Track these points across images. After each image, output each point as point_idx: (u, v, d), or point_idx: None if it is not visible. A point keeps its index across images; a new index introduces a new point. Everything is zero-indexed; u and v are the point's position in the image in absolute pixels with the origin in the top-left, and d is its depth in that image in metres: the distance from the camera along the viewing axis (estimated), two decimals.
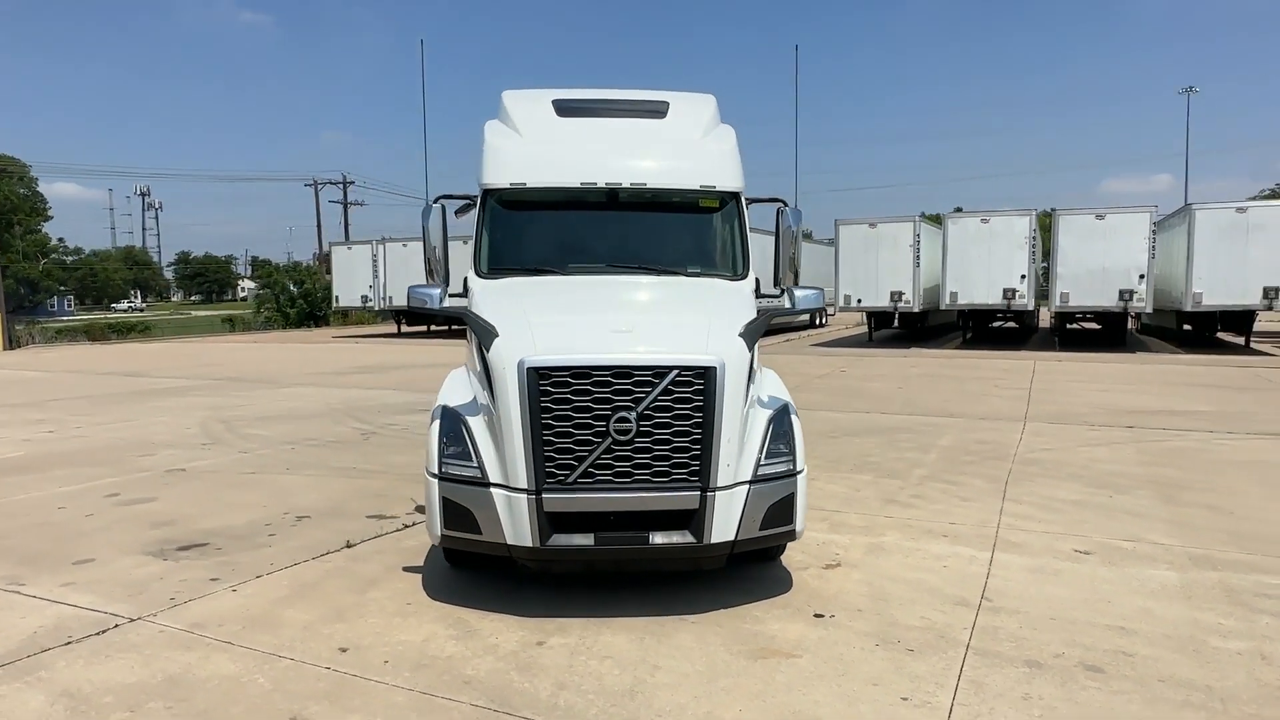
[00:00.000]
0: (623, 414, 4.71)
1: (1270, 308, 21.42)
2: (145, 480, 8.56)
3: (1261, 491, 7.84)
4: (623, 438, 4.71)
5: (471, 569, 5.56)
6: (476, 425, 5.06)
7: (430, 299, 5.11)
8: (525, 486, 4.70)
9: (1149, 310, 22.68)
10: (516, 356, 4.79)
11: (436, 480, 4.99)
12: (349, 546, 6.28)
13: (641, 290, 5.99)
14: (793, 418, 5.22)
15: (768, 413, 5.16)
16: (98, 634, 4.68)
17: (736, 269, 6.38)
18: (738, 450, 4.87)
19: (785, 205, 6.53)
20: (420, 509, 7.29)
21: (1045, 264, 25.38)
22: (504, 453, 4.79)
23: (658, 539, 4.76)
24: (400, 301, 32.71)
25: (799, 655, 4.37)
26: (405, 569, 5.77)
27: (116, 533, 6.72)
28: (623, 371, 4.76)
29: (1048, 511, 7.15)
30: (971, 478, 8.38)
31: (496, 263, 6.25)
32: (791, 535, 5.11)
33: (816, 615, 4.92)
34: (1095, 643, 4.51)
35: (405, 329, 36.80)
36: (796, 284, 6.46)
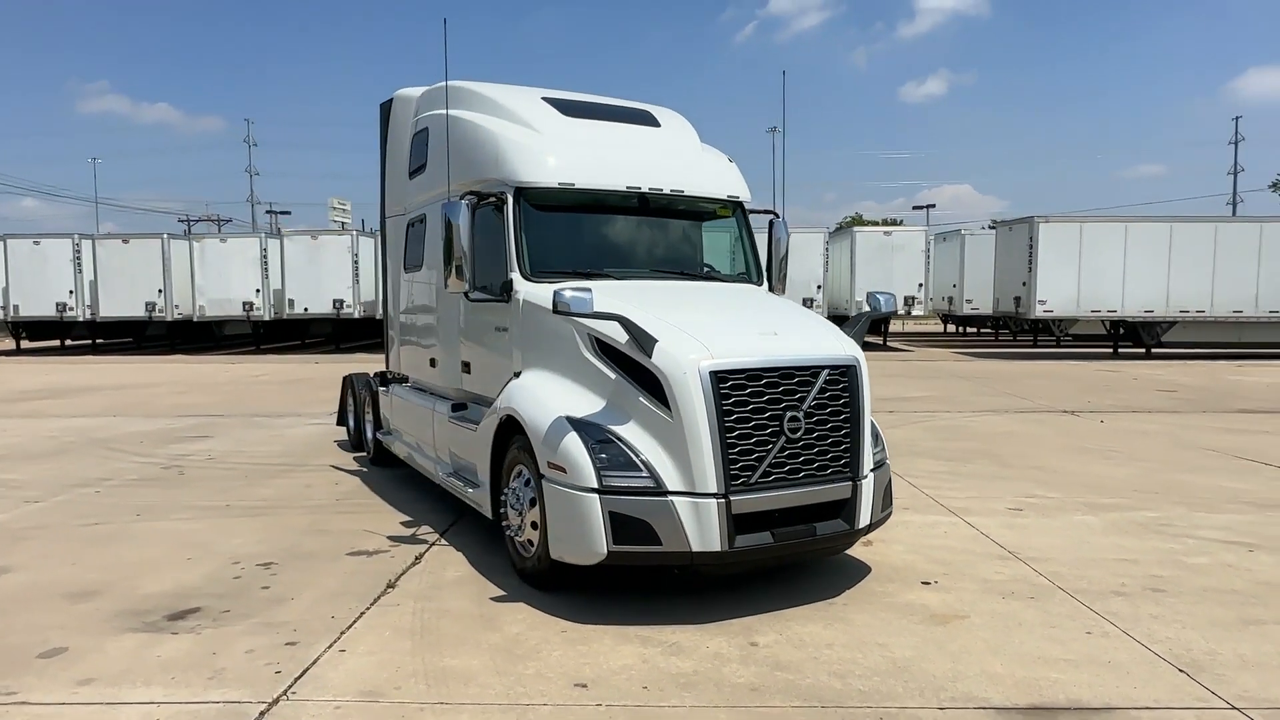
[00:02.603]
0: (792, 413, 4.90)
1: (909, 313, 26.67)
2: None
3: (1047, 453, 10.12)
4: (794, 435, 4.89)
5: (552, 590, 5.23)
6: (632, 433, 4.86)
7: (585, 303, 4.75)
8: (714, 491, 4.67)
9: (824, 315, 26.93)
10: (695, 361, 4.73)
11: (597, 495, 4.70)
12: (392, 587, 5.49)
13: (712, 294, 6.12)
14: None
15: None
16: None
17: (752, 275, 6.77)
18: (871, 442, 5.31)
19: (776, 216, 7.06)
20: (398, 539, 6.58)
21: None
22: (684, 459, 4.69)
23: (823, 529, 5.03)
24: (33, 310, 26.98)
25: (966, 615, 4.95)
26: (493, 599, 5.25)
27: (44, 613, 5.08)
28: (789, 371, 4.95)
29: (944, 481, 8.54)
30: None
31: (541, 265, 5.94)
32: (890, 514, 5.67)
33: (924, 583, 5.54)
34: (1127, 571, 5.73)
35: (27, 344, 30.18)
36: (784, 288, 7.01)
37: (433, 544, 6.49)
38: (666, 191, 6.34)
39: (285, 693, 3.98)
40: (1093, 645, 4.51)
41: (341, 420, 11.39)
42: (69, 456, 10.29)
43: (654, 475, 4.71)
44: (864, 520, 5.18)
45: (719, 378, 4.73)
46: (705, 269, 6.77)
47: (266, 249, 27.52)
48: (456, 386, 6.90)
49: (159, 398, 16.47)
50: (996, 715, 3.75)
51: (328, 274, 27.04)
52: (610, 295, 5.52)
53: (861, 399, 5.16)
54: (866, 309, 5.94)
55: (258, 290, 27.29)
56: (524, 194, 5.99)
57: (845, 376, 5.13)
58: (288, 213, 60.53)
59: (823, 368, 5.05)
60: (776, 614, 4.97)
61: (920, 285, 27.15)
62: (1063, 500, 7.79)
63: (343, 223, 49.70)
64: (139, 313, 27.73)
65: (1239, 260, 23.87)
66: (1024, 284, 24.32)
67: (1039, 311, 24.23)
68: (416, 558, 6.11)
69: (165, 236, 27.90)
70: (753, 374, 4.84)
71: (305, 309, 27.38)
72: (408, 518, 7.29)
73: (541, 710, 3.81)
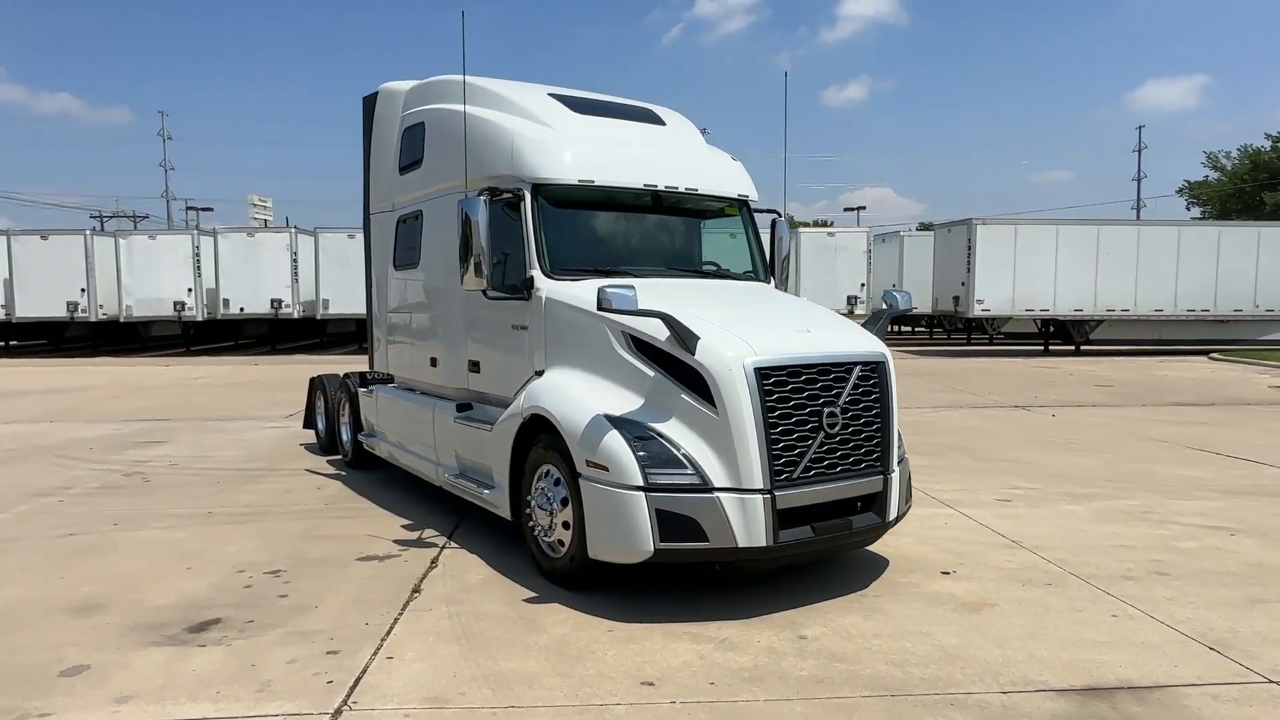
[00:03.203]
0: (830, 408, 4.97)
1: (852, 313, 27.25)
2: None
3: (1014, 446, 10.51)
4: (833, 431, 4.97)
5: (583, 590, 5.20)
6: (674, 430, 4.85)
7: (630, 300, 4.71)
8: (760, 487, 4.70)
9: None
10: (740, 357, 4.76)
11: (643, 493, 4.69)
12: (417, 592, 5.36)
13: (733, 292, 6.16)
14: None
15: None
16: None
17: (760, 273, 6.84)
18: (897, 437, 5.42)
19: (779, 216, 7.15)
20: (405, 543, 6.43)
21: None
22: (729, 455, 4.71)
23: (858, 523, 5.12)
24: None
25: (995, 603, 5.11)
26: (525, 600, 5.17)
27: (48, 630, 4.79)
28: (826, 368, 5.02)
29: (927, 474, 8.77)
30: None
31: (561, 262, 5.89)
32: (910, 507, 5.80)
33: (944, 573, 5.69)
34: (1128, 557, 5.99)
35: None
36: (786, 286, 7.11)
37: (443, 547, 6.35)
38: (681, 190, 6.36)
39: (345, 702, 3.85)
40: (1122, 628, 4.71)
41: (309, 423, 11.05)
42: (16, 465, 9.73)
43: (699, 472, 4.72)
44: (893, 513, 5.29)
45: (762, 374, 4.76)
46: (711, 267, 6.81)
47: (199, 247, 26.46)
48: (461, 386, 6.78)
49: (96, 402, 15.68)
50: (1058, 697, 3.89)
51: (265, 273, 26.18)
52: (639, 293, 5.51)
53: (891, 394, 5.27)
54: (884, 306, 6.06)
55: (190, 289, 26.21)
56: (541, 190, 5.93)
57: (876, 373, 5.24)
58: (210, 209, 58.24)
59: (856, 364, 5.15)
60: (813, 607, 5.03)
61: (863, 285, 27.81)
62: (1044, 491, 8.10)
63: (265, 220, 48.21)
64: (59, 313, 26.32)
65: (1159, 262, 25.18)
66: (963, 284, 25.14)
67: (977, 311, 25.09)
68: (432, 562, 5.98)
69: (89, 233, 26.59)
70: (793, 370, 4.89)
71: (241, 309, 26.44)
72: (407, 521, 7.12)
73: (617, 710, 3.78)
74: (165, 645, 4.55)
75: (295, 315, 26.62)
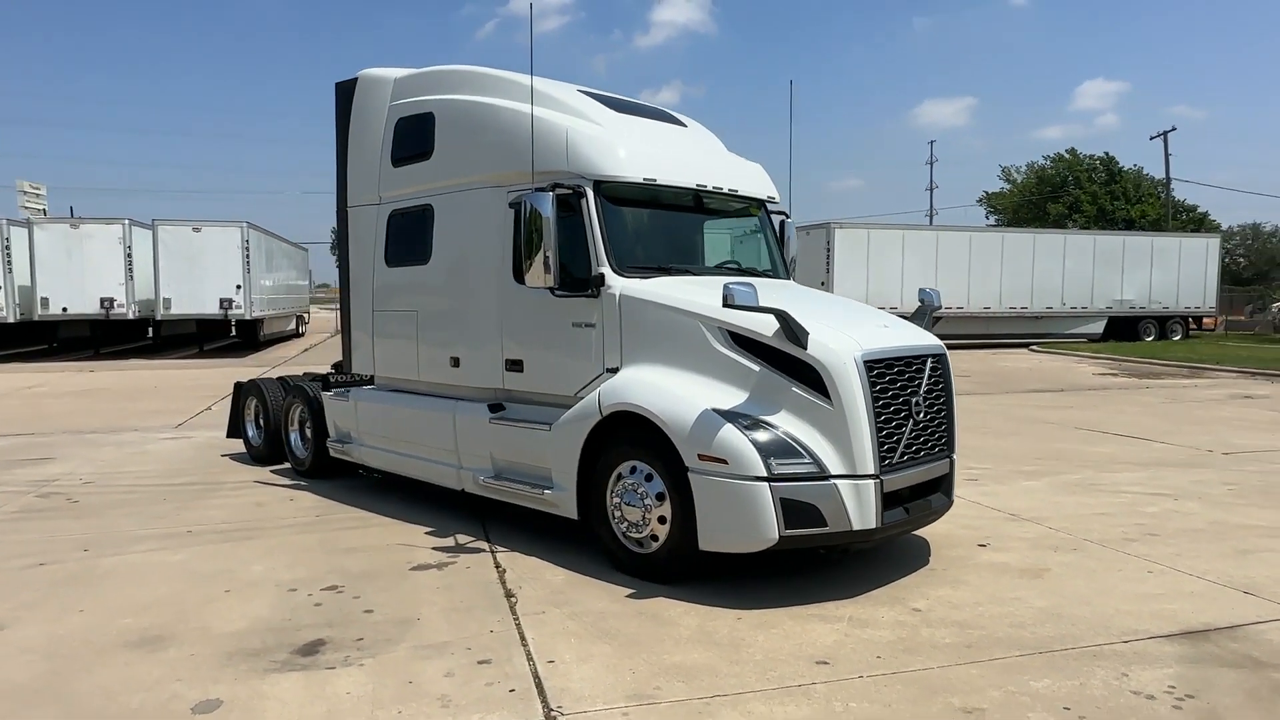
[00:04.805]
0: (916, 397, 5.36)
1: None
2: None
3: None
4: (919, 418, 5.35)
5: (673, 582, 5.29)
6: (785, 421, 5.04)
7: (752, 297, 4.82)
8: (872, 472, 4.99)
9: None
10: (849, 351, 5.02)
11: (766, 483, 4.85)
12: (512, 596, 5.22)
13: (793, 289, 6.42)
14: None
15: None
16: None
17: (780, 272, 7.16)
18: None
19: (787, 217, 7.50)
20: (447, 549, 6.23)
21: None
22: (844, 443, 4.96)
23: (935, 503, 5.54)
24: None
25: (1047, 568, 5.68)
26: (629, 596, 5.17)
27: (125, 667, 4.27)
28: (910, 360, 5.40)
29: None
30: None
31: (629, 260, 5.93)
32: None
33: (981, 545, 6.24)
34: (1115, 523, 6.81)
35: None
36: None
37: (491, 551, 6.17)
38: (725, 191, 6.54)
39: (551, 707, 3.76)
40: (1164, 581, 5.41)
41: (234, 432, 10.20)
42: None
43: (816, 460, 4.94)
44: (955, 494, 5.76)
45: (869, 366, 5.06)
46: (733, 265, 7.03)
47: (9, 239, 23.36)
48: (493, 386, 6.59)
49: None
50: (1168, 642, 4.45)
51: (94, 269, 23.49)
52: (707, 289, 5.67)
53: (952, 384, 5.74)
54: (919, 304, 6.51)
55: None
56: (602, 187, 5.92)
57: (941, 364, 5.68)
58: None
59: (929, 356, 5.56)
60: (899, 583, 5.40)
61: None
62: (997, 470, 8.96)
63: (43, 209, 43.25)
64: None
65: (987, 265, 28.05)
66: (822, 284, 26.77)
67: None
68: (496, 566, 5.81)
69: None
70: (889, 362, 5.23)
71: (64, 309, 23.58)
72: (428, 527, 6.83)
73: (816, 689, 3.93)
74: (286, 671, 4.20)
75: (130, 316, 24.09)
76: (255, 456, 9.75)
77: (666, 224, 6.48)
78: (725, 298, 4.87)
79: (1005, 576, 5.53)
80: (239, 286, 24.37)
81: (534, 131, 5.89)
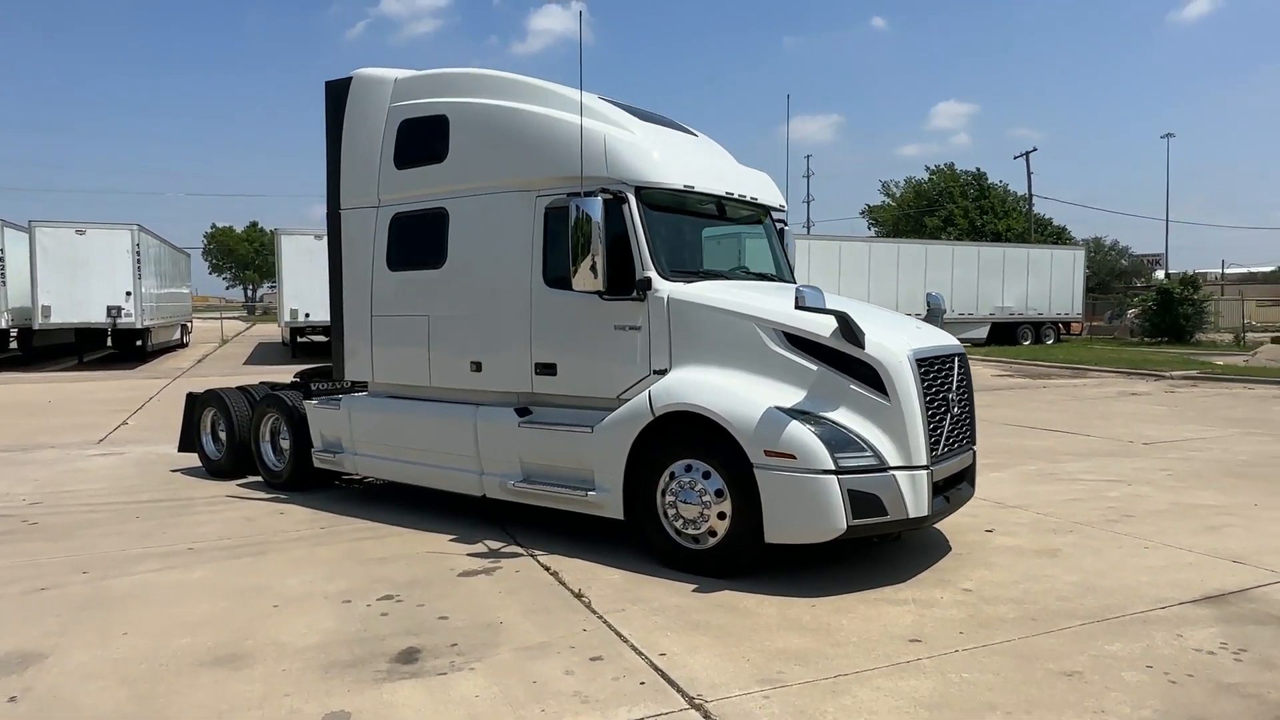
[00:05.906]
0: (949, 392, 5.76)
1: None
2: None
3: None
4: (955, 411, 5.76)
5: (727, 575, 5.48)
6: (844, 417, 5.32)
7: (821, 299, 5.06)
8: (925, 463, 5.34)
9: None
10: (904, 349, 5.36)
11: (834, 476, 5.11)
12: (580, 597, 5.25)
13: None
14: None
15: None
16: None
17: (786, 277, 7.48)
18: None
19: (786, 225, 7.84)
20: (485, 555, 6.21)
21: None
22: (900, 436, 5.28)
23: (964, 491, 5.95)
24: None
25: (1057, 549, 6.18)
26: (695, 591, 5.31)
27: (219, 687, 4.08)
28: (945, 358, 5.81)
29: None
30: None
31: (674, 264, 6.11)
32: None
33: (988, 531, 6.71)
34: (1091, 507, 7.45)
35: None
36: None
37: (530, 554, 6.16)
38: (747, 198, 6.80)
39: (691, 696, 3.86)
40: (1163, 555, 6.01)
41: (187, 446, 9.65)
42: None
43: (876, 453, 5.24)
44: (977, 484, 6.21)
45: (919, 364, 5.41)
46: (742, 271, 7.29)
47: None
48: (520, 390, 6.58)
49: None
50: (1199, 606, 4.97)
51: None
52: (752, 292, 5.91)
53: (972, 381, 6.19)
54: (929, 308, 6.97)
55: None
56: (643, 193, 6.05)
57: (965, 363, 6.12)
58: None
59: (956, 355, 5.99)
60: (936, 568, 5.77)
61: None
62: None
63: None
64: None
65: (885, 273, 29.61)
66: None
67: None
68: (547, 569, 5.82)
69: None
70: (931, 360, 5.61)
71: None
72: (448, 535, 6.72)
73: (925, 664, 4.20)
74: (397, 679, 4.12)
75: (3, 325, 22.10)
76: (214, 471, 9.26)
77: (693, 229, 6.67)
78: (796, 300, 5.12)
79: (1025, 558, 5.99)
80: (129, 293, 22.80)
81: (582, 138, 5.95)
